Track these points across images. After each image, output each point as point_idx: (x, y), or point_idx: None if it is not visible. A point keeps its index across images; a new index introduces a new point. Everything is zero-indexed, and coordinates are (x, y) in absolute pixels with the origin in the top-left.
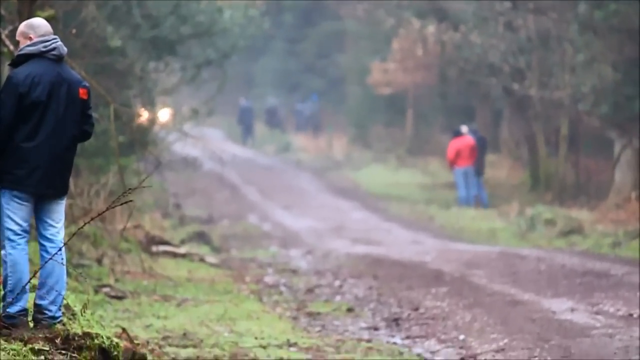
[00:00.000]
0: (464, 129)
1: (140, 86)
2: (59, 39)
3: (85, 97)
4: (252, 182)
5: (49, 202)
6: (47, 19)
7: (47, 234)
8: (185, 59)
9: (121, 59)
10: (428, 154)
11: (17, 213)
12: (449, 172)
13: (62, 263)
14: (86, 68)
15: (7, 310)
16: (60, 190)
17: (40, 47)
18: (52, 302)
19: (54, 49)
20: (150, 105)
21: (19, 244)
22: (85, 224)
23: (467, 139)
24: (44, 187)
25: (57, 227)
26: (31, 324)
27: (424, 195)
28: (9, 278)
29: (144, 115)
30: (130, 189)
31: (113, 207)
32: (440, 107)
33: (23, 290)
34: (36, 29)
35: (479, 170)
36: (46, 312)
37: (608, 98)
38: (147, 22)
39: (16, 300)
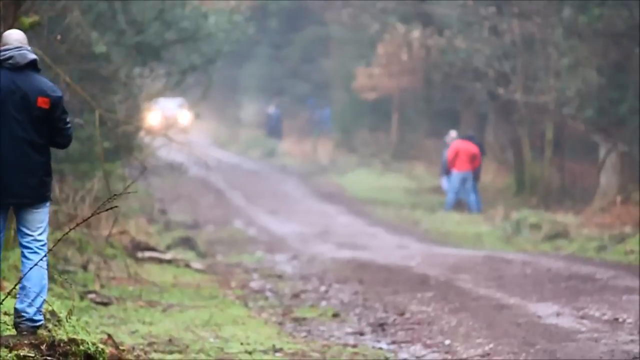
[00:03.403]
0: (453, 133)
1: (125, 92)
2: (23, 48)
3: (46, 106)
4: (238, 187)
5: (23, 210)
6: (32, 25)
7: (24, 241)
8: (170, 64)
9: (106, 65)
10: (413, 159)
11: None
12: (434, 177)
13: (42, 267)
14: (71, 74)
15: None
16: (29, 199)
17: None
18: (30, 305)
19: (10, 57)
20: (136, 110)
21: None
22: (70, 230)
23: (469, 145)
24: (5, 196)
25: (34, 235)
26: (14, 330)
27: (409, 199)
28: None
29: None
30: (115, 194)
31: (98, 213)
32: (425, 111)
33: None
34: (5, 38)
35: (476, 176)
36: (23, 314)
37: (593, 102)
38: (131, 27)
39: None
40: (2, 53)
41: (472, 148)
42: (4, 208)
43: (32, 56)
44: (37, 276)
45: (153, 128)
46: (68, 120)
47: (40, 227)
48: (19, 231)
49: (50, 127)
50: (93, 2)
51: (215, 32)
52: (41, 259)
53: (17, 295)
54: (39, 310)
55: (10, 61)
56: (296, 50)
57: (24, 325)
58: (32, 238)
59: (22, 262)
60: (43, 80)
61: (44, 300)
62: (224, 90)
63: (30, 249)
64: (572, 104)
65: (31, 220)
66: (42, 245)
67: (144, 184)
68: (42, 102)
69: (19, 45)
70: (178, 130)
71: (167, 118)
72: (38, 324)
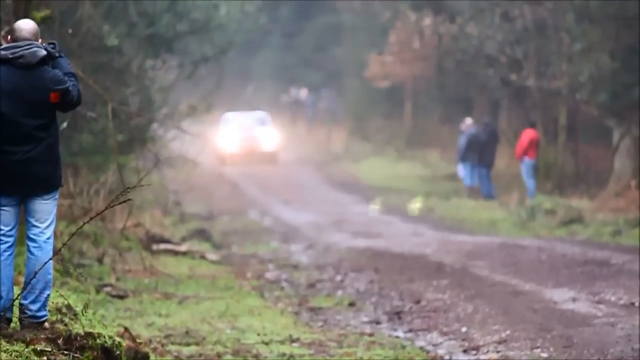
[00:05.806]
0: (468, 120)
1: (137, 84)
2: (34, 45)
3: (57, 100)
4: (252, 177)
5: (32, 201)
6: (44, 19)
7: (30, 234)
8: (183, 55)
9: (118, 57)
10: (427, 146)
11: None
12: (448, 164)
13: (47, 263)
14: (83, 67)
15: None
16: (38, 189)
17: (8, 54)
18: (33, 302)
19: (21, 56)
20: (149, 103)
21: None
22: (84, 223)
23: (536, 133)
24: (14, 188)
25: (41, 228)
26: (18, 325)
27: (423, 187)
28: None
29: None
30: (129, 187)
31: (113, 206)
32: (438, 98)
33: None
34: (17, 31)
35: (489, 164)
36: (27, 311)
37: (606, 86)
38: (143, 19)
39: None
40: (14, 50)
41: (537, 135)
42: (17, 200)
43: (43, 52)
44: (41, 272)
45: (229, 157)
46: (72, 89)
47: (48, 219)
48: (27, 223)
49: (64, 109)
50: None
51: (227, 22)
52: (48, 260)
53: (22, 291)
54: (43, 306)
55: (21, 60)
56: (308, 38)
57: (26, 321)
58: (39, 230)
59: (27, 256)
60: (52, 74)
61: (48, 295)
62: (236, 80)
63: (36, 242)
64: (585, 88)
65: (40, 211)
66: (48, 239)
67: (158, 176)
68: (54, 97)
69: (30, 42)
70: (263, 158)
71: (246, 140)
72: (41, 319)
